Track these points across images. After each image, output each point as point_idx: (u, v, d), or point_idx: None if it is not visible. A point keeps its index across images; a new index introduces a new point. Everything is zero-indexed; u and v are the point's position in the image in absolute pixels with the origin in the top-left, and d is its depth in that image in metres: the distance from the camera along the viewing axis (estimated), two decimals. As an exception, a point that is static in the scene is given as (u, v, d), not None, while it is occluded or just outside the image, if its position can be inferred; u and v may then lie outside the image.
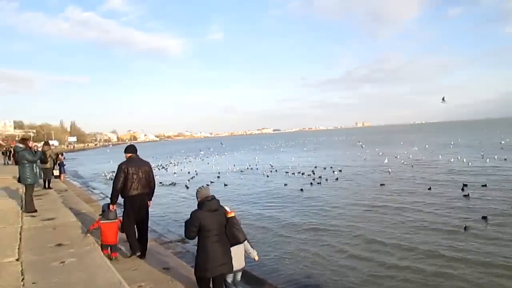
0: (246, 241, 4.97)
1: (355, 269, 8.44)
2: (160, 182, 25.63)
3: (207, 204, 4.40)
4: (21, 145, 8.76)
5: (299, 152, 54.41)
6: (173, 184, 25.18)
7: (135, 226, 5.86)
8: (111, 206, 5.74)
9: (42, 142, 23.16)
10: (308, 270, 8.50)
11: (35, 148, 13.64)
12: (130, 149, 5.91)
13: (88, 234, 6.02)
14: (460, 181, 18.84)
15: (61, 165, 19.54)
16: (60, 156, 20.11)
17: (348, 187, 19.95)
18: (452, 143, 50.22)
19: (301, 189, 19.67)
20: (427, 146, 46.90)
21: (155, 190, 6.10)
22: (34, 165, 8.78)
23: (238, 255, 4.89)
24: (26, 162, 8.53)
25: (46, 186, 13.74)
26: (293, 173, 26.91)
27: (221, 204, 4.57)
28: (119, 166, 5.67)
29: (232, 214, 4.52)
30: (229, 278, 5.08)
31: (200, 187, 4.66)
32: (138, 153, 5.94)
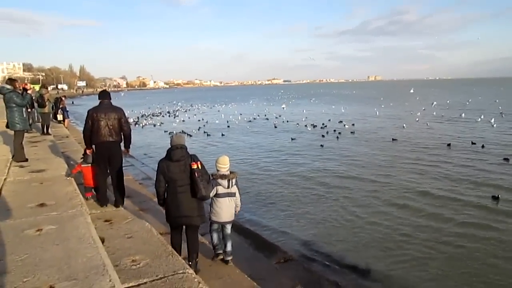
0: (238, 193, 5.00)
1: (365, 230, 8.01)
2: (165, 131, 25.02)
3: (170, 153, 4.35)
4: (8, 86, 7.68)
5: (311, 104, 52.94)
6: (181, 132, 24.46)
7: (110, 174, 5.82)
8: (87, 150, 5.76)
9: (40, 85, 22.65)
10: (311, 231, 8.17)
11: (30, 89, 12.66)
12: (102, 95, 5.70)
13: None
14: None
15: (64, 110, 18.66)
16: (63, 99, 19.17)
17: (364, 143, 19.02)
18: (469, 100, 48.00)
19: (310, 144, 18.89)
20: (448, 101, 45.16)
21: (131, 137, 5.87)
22: (24, 109, 7.83)
23: (229, 207, 4.91)
24: (14, 105, 7.56)
25: (45, 131, 12.94)
26: (306, 126, 25.95)
27: (192, 154, 4.46)
28: (88, 112, 5.54)
29: (195, 166, 4.32)
30: (215, 231, 5.09)
31: (173, 134, 4.63)
32: (111, 100, 5.69)
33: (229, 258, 5.07)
